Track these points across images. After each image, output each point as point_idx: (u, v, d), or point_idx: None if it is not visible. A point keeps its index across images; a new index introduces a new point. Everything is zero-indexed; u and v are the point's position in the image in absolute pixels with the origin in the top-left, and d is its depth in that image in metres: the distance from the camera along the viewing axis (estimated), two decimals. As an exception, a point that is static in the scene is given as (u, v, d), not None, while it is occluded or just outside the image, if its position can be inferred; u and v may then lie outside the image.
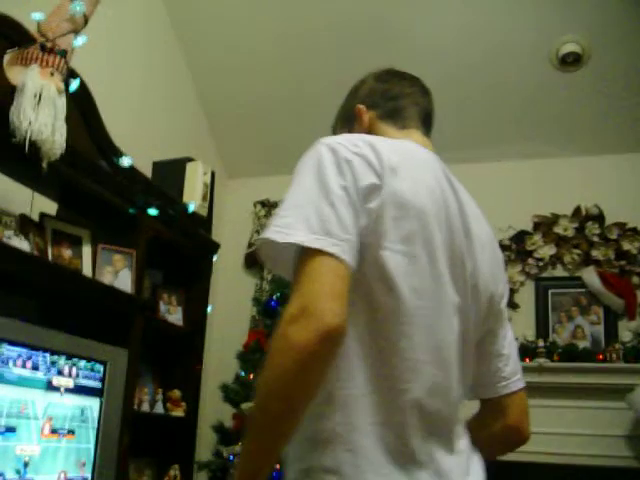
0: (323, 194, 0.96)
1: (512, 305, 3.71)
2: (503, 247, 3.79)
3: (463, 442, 1.07)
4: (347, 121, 1.29)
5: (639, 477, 3.12)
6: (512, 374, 1.20)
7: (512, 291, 3.72)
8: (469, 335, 1.10)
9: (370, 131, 1.22)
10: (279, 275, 1.84)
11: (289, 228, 0.94)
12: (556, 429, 3.37)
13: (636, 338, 3.50)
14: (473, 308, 1.10)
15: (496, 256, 1.20)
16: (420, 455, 0.97)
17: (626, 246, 3.65)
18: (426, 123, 1.27)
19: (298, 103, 3.95)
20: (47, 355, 2.05)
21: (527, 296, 3.76)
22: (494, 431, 1.19)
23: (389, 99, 1.25)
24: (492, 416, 1.19)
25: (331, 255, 0.91)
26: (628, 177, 3.71)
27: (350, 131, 1.26)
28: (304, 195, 0.97)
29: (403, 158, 1.04)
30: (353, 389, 0.96)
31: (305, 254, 0.93)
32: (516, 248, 3.81)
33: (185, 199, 3.09)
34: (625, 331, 3.55)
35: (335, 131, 1.33)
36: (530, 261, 3.79)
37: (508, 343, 1.22)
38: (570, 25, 3.37)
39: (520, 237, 3.82)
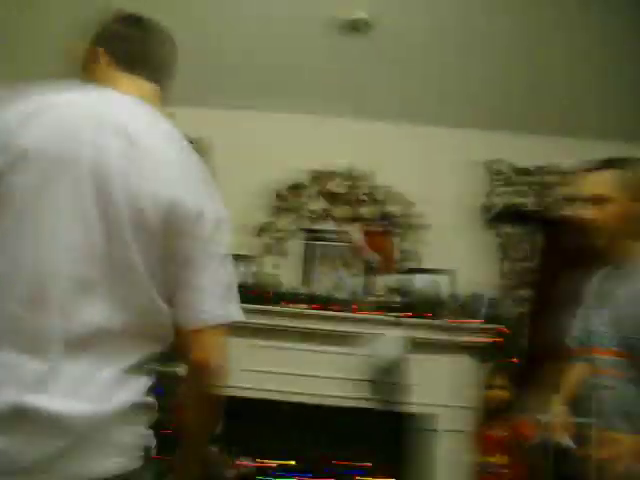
0: None
1: (281, 253, 3.88)
2: (278, 197, 3.93)
3: (86, 362, 1.11)
4: (82, 58, 1.36)
5: (368, 415, 3.47)
6: (206, 310, 1.19)
7: (282, 240, 3.90)
8: (128, 256, 1.14)
9: (98, 73, 1.32)
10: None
11: None
12: (305, 371, 3.65)
13: (388, 292, 3.83)
14: (130, 227, 1.14)
15: (176, 186, 1.18)
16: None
17: (390, 208, 3.95)
18: (152, 67, 1.35)
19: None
20: None
21: (296, 246, 3.94)
22: (187, 363, 1.20)
23: (122, 41, 1.33)
24: (184, 348, 1.20)
25: None
26: (400, 144, 3.96)
27: (82, 68, 1.35)
28: None
29: (47, 106, 1.17)
30: None
31: None
32: (291, 199, 3.96)
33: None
34: (380, 285, 3.87)
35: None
36: (302, 213, 3.96)
37: (210, 277, 1.20)
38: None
39: (295, 188, 3.96)
